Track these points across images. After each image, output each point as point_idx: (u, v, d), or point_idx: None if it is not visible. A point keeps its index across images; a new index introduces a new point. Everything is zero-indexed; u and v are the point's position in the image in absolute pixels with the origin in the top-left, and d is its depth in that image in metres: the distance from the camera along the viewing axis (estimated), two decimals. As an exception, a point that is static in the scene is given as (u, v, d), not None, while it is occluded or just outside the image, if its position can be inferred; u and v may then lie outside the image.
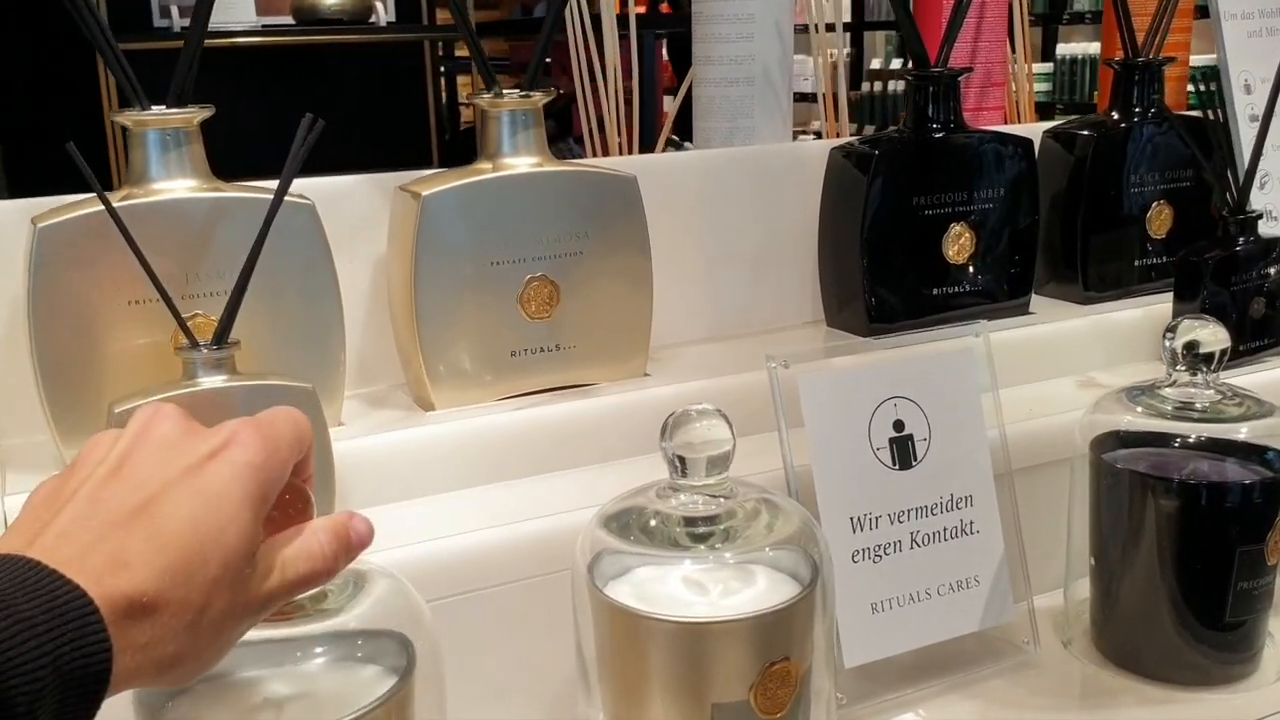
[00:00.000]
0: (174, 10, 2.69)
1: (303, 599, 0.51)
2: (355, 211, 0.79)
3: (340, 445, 0.70)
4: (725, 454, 0.60)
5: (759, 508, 0.61)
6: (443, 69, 3.36)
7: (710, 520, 0.59)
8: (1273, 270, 0.94)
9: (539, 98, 0.76)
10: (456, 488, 0.72)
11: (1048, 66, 4.16)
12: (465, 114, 3.91)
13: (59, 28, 2.63)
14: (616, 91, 0.95)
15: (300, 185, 0.76)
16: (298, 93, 2.88)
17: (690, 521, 0.59)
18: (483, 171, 0.75)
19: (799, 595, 0.57)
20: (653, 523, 0.60)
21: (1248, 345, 0.94)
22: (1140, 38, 0.99)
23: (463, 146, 3.48)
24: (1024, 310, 0.95)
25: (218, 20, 2.73)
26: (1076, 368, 0.93)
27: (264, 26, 2.82)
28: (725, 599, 0.59)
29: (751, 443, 0.77)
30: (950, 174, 0.89)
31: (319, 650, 0.51)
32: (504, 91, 0.75)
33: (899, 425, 0.72)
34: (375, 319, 0.80)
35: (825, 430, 0.70)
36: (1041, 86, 3.94)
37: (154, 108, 0.69)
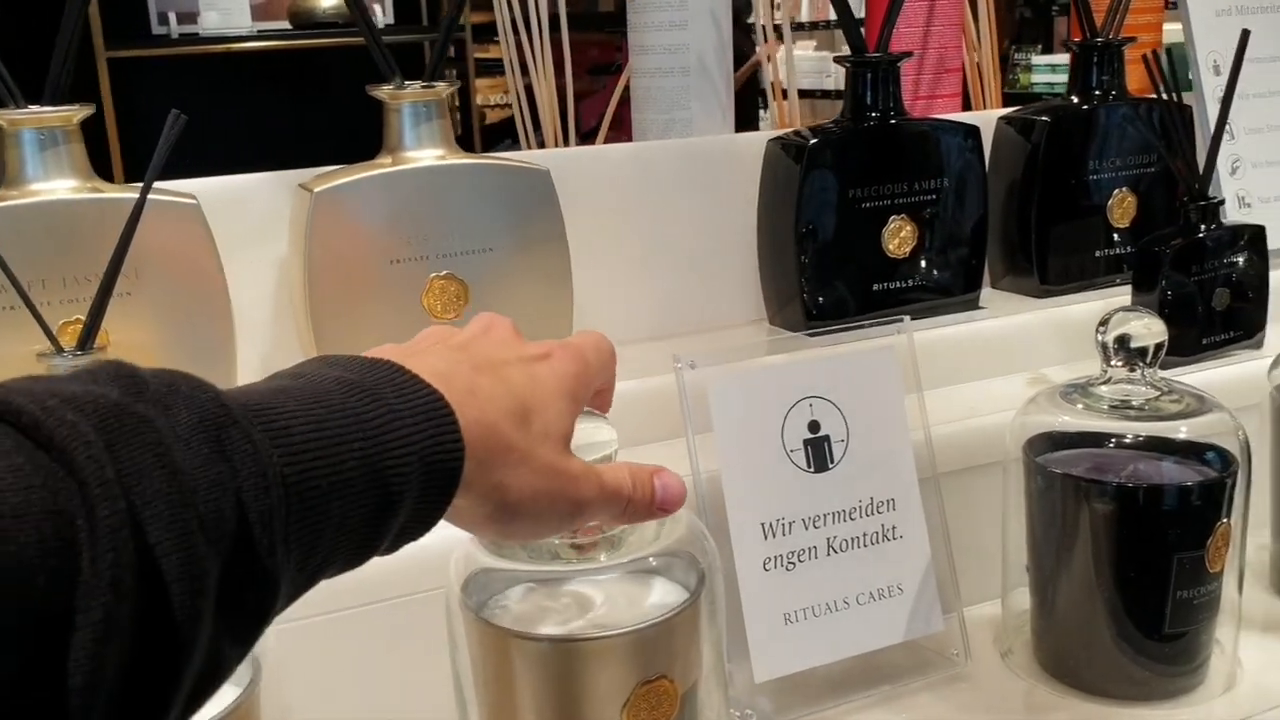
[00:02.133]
0: (171, 18, 2.69)
1: None
2: (260, 210, 0.77)
3: (230, 453, 0.67)
4: (606, 458, 0.57)
5: None
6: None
7: (590, 532, 0.56)
8: (1240, 259, 0.90)
9: (442, 88, 0.73)
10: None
11: (1059, 58, 4.05)
12: (491, 114, 3.89)
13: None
14: (549, 88, 0.92)
15: (204, 184, 0.74)
16: (296, 97, 2.88)
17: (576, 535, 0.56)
18: (382, 165, 0.72)
19: (676, 609, 0.54)
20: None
21: (1212, 339, 0.89)
22: (1100, 19, 0.95)
23: (485, 145, 3.47)
24: (974, 305, 0.91)
25: (214, 27, 2.73)
26: (1030, 364, 0.89)
27: (259, 31, 2.81)
28: (612, 614, 0.56)
29: (669, 448, 0.74)
30: (889, 164, 0.85)
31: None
32: (405, 83, 0.72)
33: (814, 426, 0.68)
34: (282, 322, 0.78)
35: (735, 433, 0.66)
36: (1046, 78, 3.83)
37: (31, 106, 0.66)
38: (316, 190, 0.69)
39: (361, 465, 0.36)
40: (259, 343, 0.77)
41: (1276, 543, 0.81)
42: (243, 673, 0.50)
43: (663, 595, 0.58)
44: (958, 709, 0.69)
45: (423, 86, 0.72)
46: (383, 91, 0.72)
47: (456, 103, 3.83)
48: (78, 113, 0.66)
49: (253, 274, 0.77)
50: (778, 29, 0.95)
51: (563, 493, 0.45)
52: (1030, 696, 0.70)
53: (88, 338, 0.60)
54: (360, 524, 0.37)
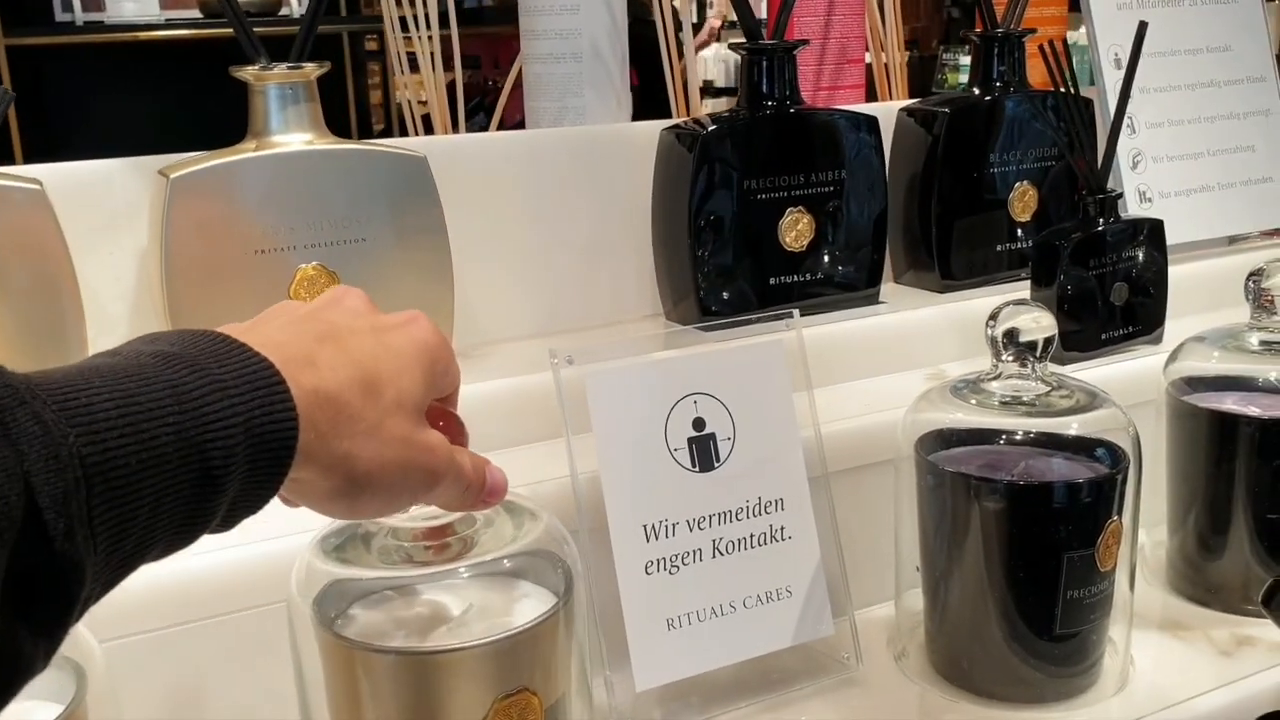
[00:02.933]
0: (76, 5, 2.60)
1: None
2: (121, 198, 0.72)
3: (78, 455, 0.63)
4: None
5: (496, 514, 0.54)
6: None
7: (442, 531, 0.53)
8: (1139, 254, 0.89)
9: (310, 69, 0.69)
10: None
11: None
12: (420, 109, 3.83)
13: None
14: (439, 79, 0.88)
15: (55, 169, 0.70)
16: (207, 88, 2.79)
17: (428, 534, 0.53)
18: (244, 150, 0.68)
19: (538, 618, 0.51)
20: (382, 540, 0.53)
21: (1112, 334, 0.88)
22: (1001, 13, 0.94)
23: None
24: (874, 300, 0.89)
25: (119, 15, 2.65)
26: (930, 360, 0.87)
27: (168, 20, 2.73)
28: (470, 623, 0.53)
29: (549, 447, 0.71)
30: (784, 155, 0.83)
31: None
32: (271, 64, 0.68)
33: (699, 424, 0.65)
34: (142, 316, 0.73)
35: (615, 431, 0.64)
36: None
37: None
38: (173, 176, 0.65)
39: (177, 439, 0.34)
40: (117, 337, 0.72)
41: (1173, 540, 0.81)
42: (65, 687, 0.46)
43: (528, 602, 0.55)
44: (849, 713, 0.67)
45: (289, 67, 0.68)
46: (246, 73, 0.68)
47: (381, 99, 3.77)
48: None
49: (112, 265, 0.72)
50: (677, 19, 0.92)
51: (415, 463, 0.44)
52: (923, 700, 0.68)
53: (-91, 332, 0.55)
54: (181, 502, 0.35)
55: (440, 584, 0.53)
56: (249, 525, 0.61)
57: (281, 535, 0.59)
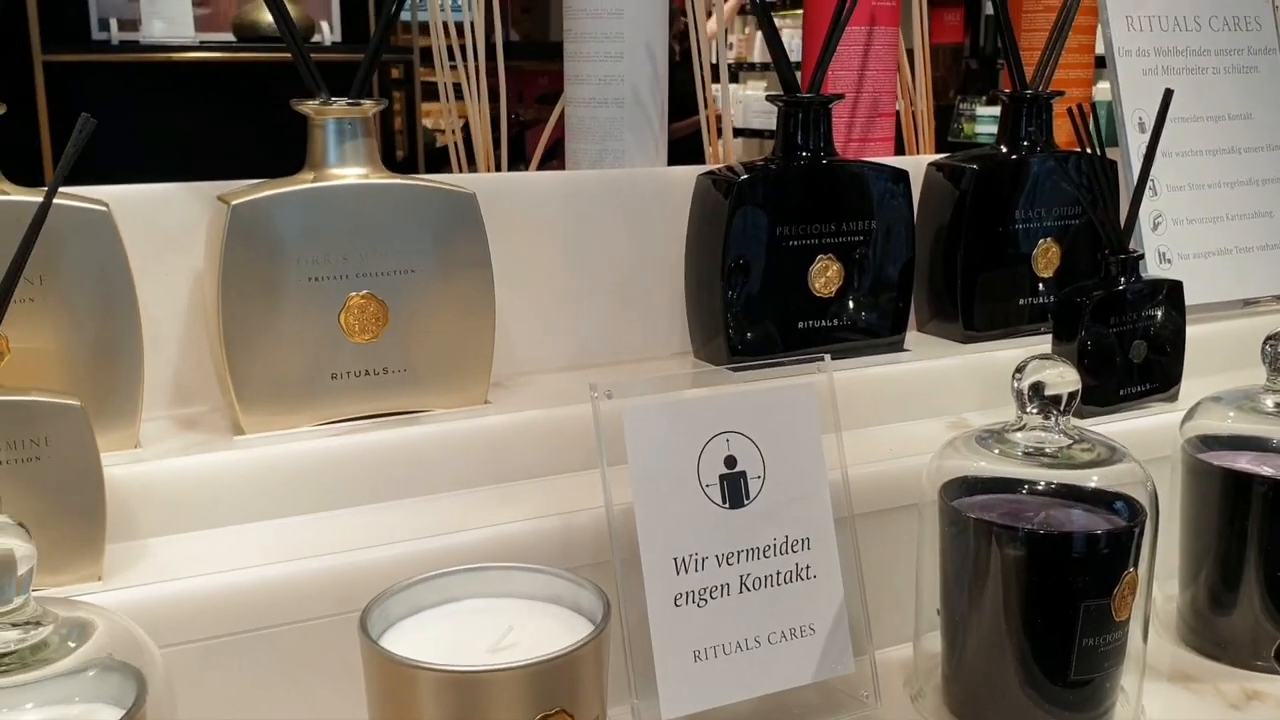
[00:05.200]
0: (113, 23, 2.65)
1: (21, 649, 0.46)
2: (178, 220, 0.75)
3: (131, 469, 0.65)
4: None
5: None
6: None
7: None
8: (1158, 313, 0.91)
9: (369, 106, 0.72)
10: (260, 518, 0.68)
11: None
12: (442, 139, 3.87)
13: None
14: (484, 115, 0.91)
15: (119, 191, 0.72)
16: (239, 110, 2.84)
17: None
18: (303, 181, 0.71)
19: (581, 642, 0.53)
20: None
21: (1130, 390, 0.90)
22: (1030, 72, 0.96)
23: (430, 167, 3.44)
24: (899, 347, 0.92)
25: (153, 35, 2.70)
26: (952, 408, 0.89)
27: (202, 42, 2.78)
28: (515, 644, 0.55)
29: (584, 478, 0.73)
30: (817, 203, 0.86)
31: (29, 704, 0.46)
32: (331, 99, 0.71)
33: (731, 461, 0.68)
34: (195, 336, 0.76)
35: (650, 465, 0.66)
36: (989, 129, 3.90)
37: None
38: (234, 203, 0.68)
39: None
40: (170, 355, 0.75)
41: (1184, 594, 0.82)
42: (126, 692, 0.48)
43: (568, 627, 0.57)
44: (864, 752, 0.69)
45: (348, 103, 0.71)
46: (308, 106, 0.71)
47: (404, 125, 3.81)
48: (-13, 112, 0.64)
49: (167, 285, 0.75)
50: (715, 67, 0.95)
51: None
52: (937, 741, 0.70)
53: (-18, 343, 0.58)
54: None
55: (487, 607, 0.55)
56: (314, 540, 0.64)
57: (344, 550, 0.62)
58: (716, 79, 1.04)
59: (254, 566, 0.61)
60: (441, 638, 0.55)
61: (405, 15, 3.35)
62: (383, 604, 0.56)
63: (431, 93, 3.57)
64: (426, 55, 3.46)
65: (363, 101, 0.71)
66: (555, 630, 0.56)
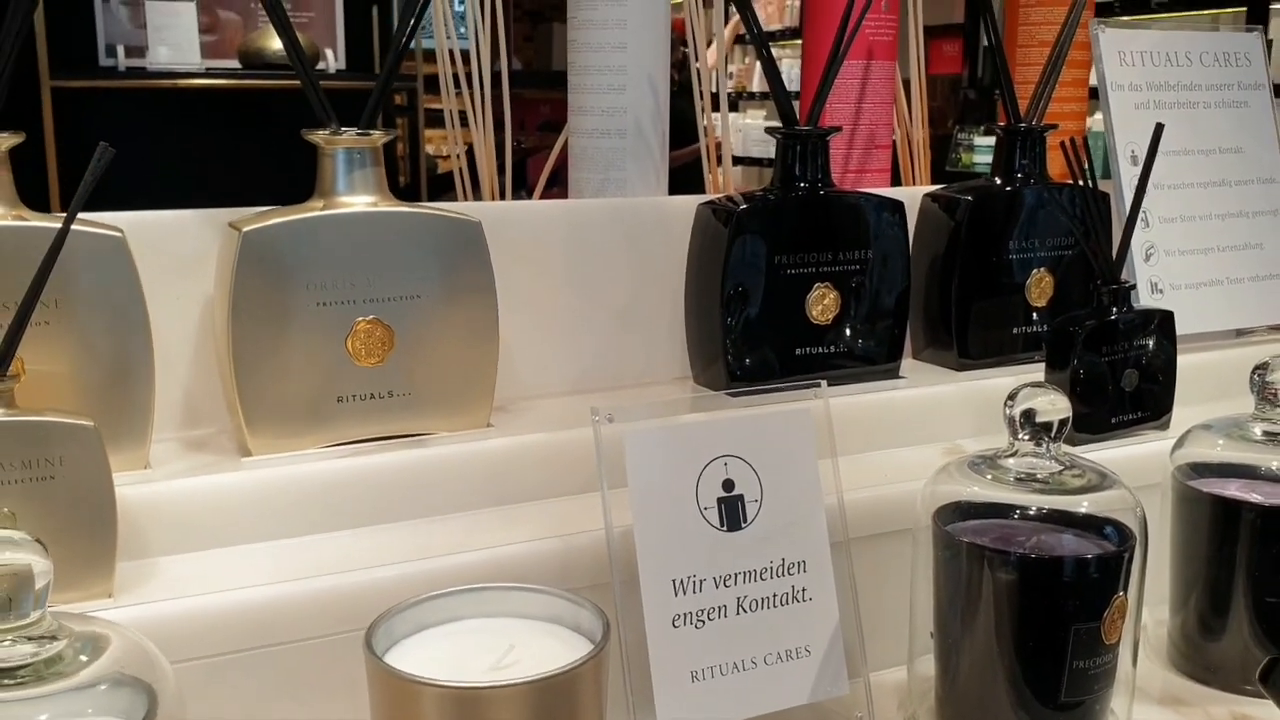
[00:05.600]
0: (120, 50, 2.68)
1: (35, 662, 0.48)
2: (190, 246, 0.77)
3: (142, 489, 0.67)
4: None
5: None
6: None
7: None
8: (1150, 343, 0.93)
9: (378, 136, 0.74)
10: (268, 538, 0.69)
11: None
12: (443, 165, 3.90)
13: None
14: (488, 143, 0.93)
15: (132, 218, 0.74)
16: (244, 136, 2.87)
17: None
18: (312, 209, 0.72)
19: (582, 659, 0.54)
20: None
21: (1121, 418, 0.92)
22: (1024, 105, 0.98)
23: (432, 193, 3.47)
24: (894, 374, 0.93)
25: (160, 62, 2.73)
26: (946, 435, 0.91)
27: (208, 69, 2.81)
28: (516, 661, 0.56)
29: (584, 501, 0.75)
30: (814, 233, 0.88)
31: (43, 717, 0.47)
32: (342, 129, 0.73)
33: (729, 485, 0.69)
34: (204, 359, 0.77)
35: (649, 487, 0.67)
36: (987, 158, 3.93)
37: (-39, 131, 0.66)
38: (245, 230, 0.70)
39: None
40: (181, 378, 0.77)
41: (1174, 619, 0.83)
42: (136, 707, 0.49)
43: (568, 646, 0.58)
44: (858, 772, 0.70)
45: (358, 133, 0.73)
46: (318, 136, 0.73)
47: (406, 151, 3.85)
48: (8, 140, 0.66)
49: (178, 309, 0.77)
50: (715, 96, 0.97)
51: None
52: (931, 762, 0.71)
53: (1, 366, 0.59)
54: None
55: (486, 624, 0.56)
56: (319, 559, 0.66)
57: (348, 570, 0.63)
58: (716, 108, 1.06)
59: (261, 585, 0.62)
60: (444, 656, 0.57)
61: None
62: (387, 622, 0.57)
63: (434, 119, 3.61)
64: (430, 82, 3.51)
65: (372, 132, 0.73)
66: (555, 649, 0.57)
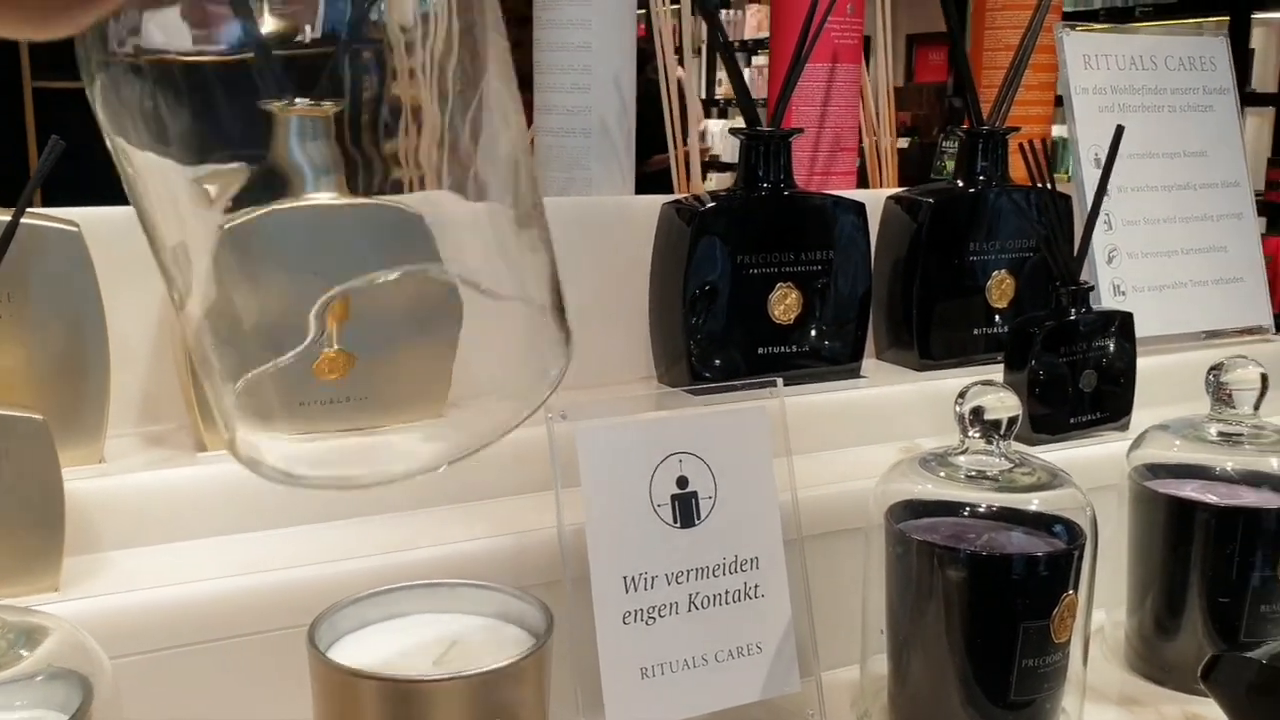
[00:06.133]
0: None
1: None
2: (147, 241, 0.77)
3: (94, 483, 0.67)
4: None
5: None
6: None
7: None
8: (1110, 344, 0.93)
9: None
10: (220, 533, 0.69)
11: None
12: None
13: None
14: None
15: (92, 213, 0.74)
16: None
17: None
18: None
19: (524, 653, 0.55)
20: None
21: (1080, 419, 0.92)
22: (986, 109, 0.99)
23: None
24: (856, 374, 0.94)
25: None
26: (906, 434, 0.91)
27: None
28: (459, 655, 0.57)
29: (539, 499, 0.75)
30: (777, 233, 0.88)
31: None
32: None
33: (683, 482, 0.69)
34: (165, 355, 0.77)
35: (602, 484, 0.67)
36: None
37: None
38: (201, 225, 0.70)
39: None
40: (139, 373, 0.77)
41: (1131, 620, 0.84)
42: (71, 699, 0.49)
43: (514, 642, 0.58)
44: (810, 769, 0.70)
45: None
46: (277, 132, 0.73)
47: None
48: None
49: (139, 305, 0.76)
50: (682, 99, 0.98)
51: None
52: (882, 759, 0.71)
53: (-51, 358, 0.59)
54: None
55: (436, 619, 0.56)
56: (271, 555, 0.66)
57: (298, 565, 0.63)
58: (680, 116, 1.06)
59: (209, 580, 0.62)
60: (388, 651, 0.57)
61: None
62: (331, 618, 0.57)
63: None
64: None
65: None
66: (499, 645, 0.57)
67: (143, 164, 0.39)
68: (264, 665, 0.62)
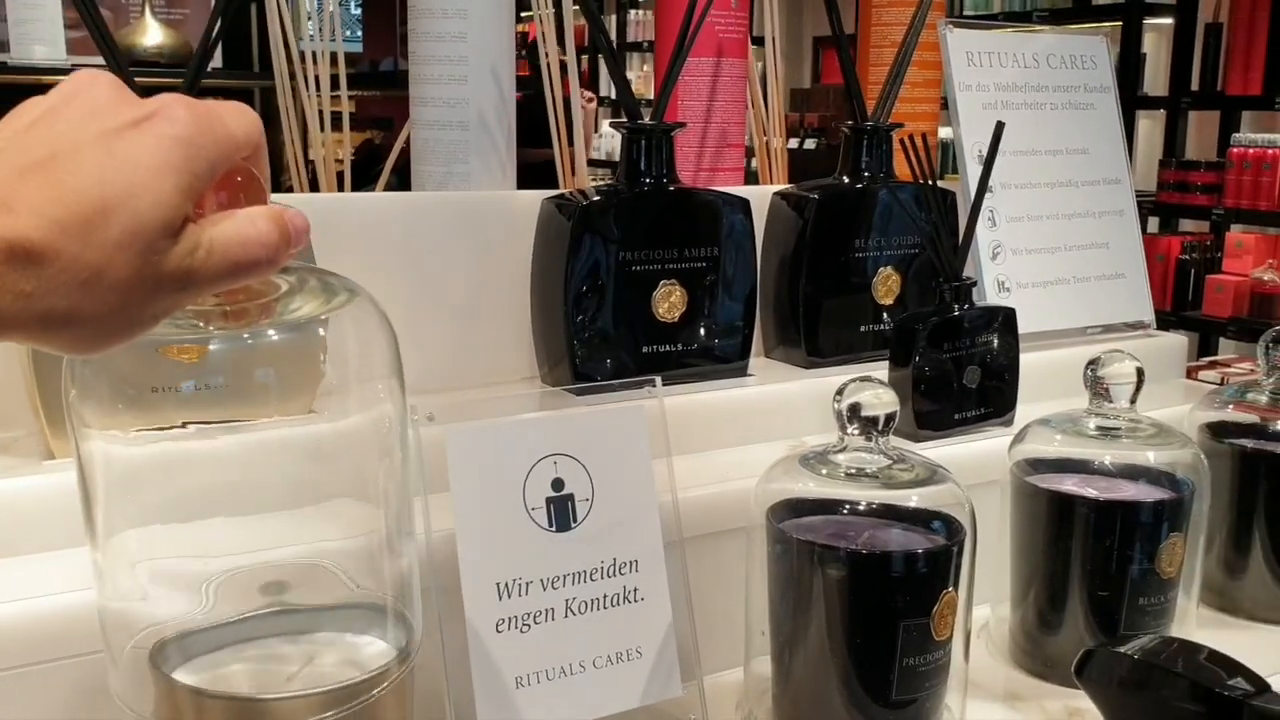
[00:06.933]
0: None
1: None
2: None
3: (-72, 495, 0.63)
4: None
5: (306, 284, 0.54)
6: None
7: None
8: (994, 340, 0.94)
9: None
10: (68, 545, 0.65)
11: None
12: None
13: None
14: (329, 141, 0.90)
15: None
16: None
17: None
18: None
19: (379, 669, 0.52)
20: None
21: (965, 415, 0.92)
22: (870, 105, 0.99)
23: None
24: (744, 372, 0.92)
25: (26, 58, 2.62)
26: (793, 432, 0.90)
27: (73, 66, 2.71)
28: (312, 673, 0.54)
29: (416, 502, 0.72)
30: (660, 230, 0.87)
31: None
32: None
33: (558, 484, 0.67)
34: (9, 360, 0.73)
35: (473, 488, 0.65)
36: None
37: None
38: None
39: None
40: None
41: (1014, 615, 0.84)
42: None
43: (369, 653, 0.56)
44: (692, 775, 0.68)
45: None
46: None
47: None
48: None
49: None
50: (566, 95, 0.96)
51: (162, 292, 0.38)
52: (765, 763, 0.70)
53: None
54: None
55: (286, 637, 0.53)
56: (50, 578, 0.62)
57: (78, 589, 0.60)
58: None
59: (55, 594, 0.59)
60: (241, 669, 0.54)
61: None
62: (181, 640, 0.54)
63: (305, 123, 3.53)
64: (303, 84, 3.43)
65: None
66: (360, 660, 0.55)
67: None
68: (60, 695, 0.59)
